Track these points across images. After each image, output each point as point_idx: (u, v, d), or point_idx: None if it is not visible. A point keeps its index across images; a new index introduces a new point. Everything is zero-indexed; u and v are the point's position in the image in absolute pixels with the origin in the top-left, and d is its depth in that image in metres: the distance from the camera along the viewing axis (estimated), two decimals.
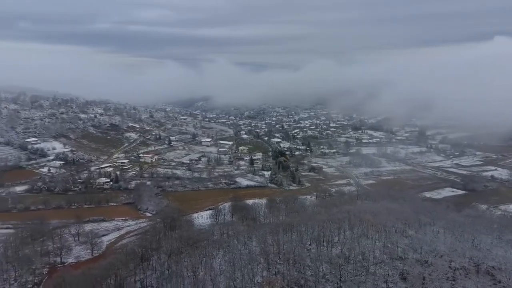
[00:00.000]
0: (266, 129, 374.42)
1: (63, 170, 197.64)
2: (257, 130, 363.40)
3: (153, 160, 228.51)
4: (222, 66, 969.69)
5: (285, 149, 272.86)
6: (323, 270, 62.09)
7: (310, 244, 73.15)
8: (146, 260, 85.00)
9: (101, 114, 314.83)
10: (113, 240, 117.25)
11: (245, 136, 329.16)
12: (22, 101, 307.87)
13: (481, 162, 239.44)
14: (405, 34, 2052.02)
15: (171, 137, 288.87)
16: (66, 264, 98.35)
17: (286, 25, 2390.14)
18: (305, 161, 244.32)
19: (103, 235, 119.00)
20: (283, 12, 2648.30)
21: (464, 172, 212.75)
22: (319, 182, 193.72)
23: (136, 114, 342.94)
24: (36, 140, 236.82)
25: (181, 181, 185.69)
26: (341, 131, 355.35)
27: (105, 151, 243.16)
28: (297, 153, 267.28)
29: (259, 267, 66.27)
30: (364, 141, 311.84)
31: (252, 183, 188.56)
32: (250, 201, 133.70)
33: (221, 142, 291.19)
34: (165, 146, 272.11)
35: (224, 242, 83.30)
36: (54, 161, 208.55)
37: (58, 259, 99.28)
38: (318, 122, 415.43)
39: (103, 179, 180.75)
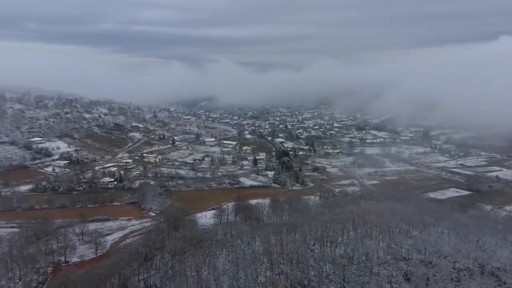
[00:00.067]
0: (269, 129, 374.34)
1: (67, 169, 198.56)
2: (261, 130, 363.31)
3: (157, 160, 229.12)
4: (225, 66, 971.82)
5: (289, 149, 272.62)
6: (326, 271, 62.02)
7: (313, 244, 73.06)
8: (150, 260, 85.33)
9: (105, 114, 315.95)
10: (117, 240, 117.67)
11: (248, 136, 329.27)
12: (27, 101, 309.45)
13: (486, 163, 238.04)
14: (409, 34, 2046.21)
15: (174, 137, 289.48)
16: (70, 263, 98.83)
17: (289, 25, 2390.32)
18: (309, 161, 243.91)
19: (107, 235, 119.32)
20: (286, 12, 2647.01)
21: (469, 173, 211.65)
22: (322, 182, 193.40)
23: (140, 114, 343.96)
24: (41, 140, 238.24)
25: (185, 181, 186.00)
26: (345, 131, 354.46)
27: (109, 151, 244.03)
28: (300, 153, 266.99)
29: (263, 267, 66.28)
30: (368, 141, 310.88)
31: (255, 183, 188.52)
32: (253, 201, 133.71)
33: (225, 142, 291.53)
34: (169, 146, 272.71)
35: (227, 242, 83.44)
36: (59, 161, 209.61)
37: (63, 258, 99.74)
38: (321, 122, 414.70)
39: (107, 179, 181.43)
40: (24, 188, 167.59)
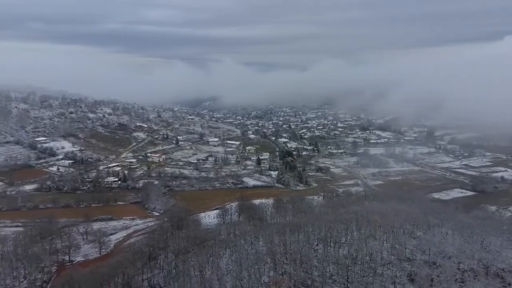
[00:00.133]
0: (273, 129, 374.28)
1: (72, 169, 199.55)
2: (264, 130, 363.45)
3: (161, 160, 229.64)
4: (229, 66, 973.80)
5: (292, 149, 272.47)
6: (330, 271, 61.85)
7: (317, 245, 72.89)
8: (154, 259, 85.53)
9: (109, 114, 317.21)
10: (121, 239, 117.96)
11: (252, 136, 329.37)
12: (32, 100, 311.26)
13: (491, 163, 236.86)
14: (413, 33, 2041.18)
15: (178, 137, 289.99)
16: (74, 262, 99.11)
17: (292, 25, 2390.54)
18: (312, 161, 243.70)
19: (111, 234, 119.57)
20: (289, 12, 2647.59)
21: (473, 173, 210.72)
22: (326, 183, 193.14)
23: (144, 114, 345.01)
24: (46, 139, 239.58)
25: (188, 181, 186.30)
26: (349, 131, 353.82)
27: (114, 151, 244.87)
28: (304, 153, 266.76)
29: (266, 267, 66.20)
30: (372, 141, 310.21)
31: (259, 183, 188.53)
32: (257, 201, 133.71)
33: (228, 142, 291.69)
34: (173, 145, 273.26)
35: (231, 242, 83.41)
36: (63, 160, 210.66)
37: (67, 257, 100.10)
38: (325, 122, 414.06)
39: (111, 178, 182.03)
40: (28, 187, 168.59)
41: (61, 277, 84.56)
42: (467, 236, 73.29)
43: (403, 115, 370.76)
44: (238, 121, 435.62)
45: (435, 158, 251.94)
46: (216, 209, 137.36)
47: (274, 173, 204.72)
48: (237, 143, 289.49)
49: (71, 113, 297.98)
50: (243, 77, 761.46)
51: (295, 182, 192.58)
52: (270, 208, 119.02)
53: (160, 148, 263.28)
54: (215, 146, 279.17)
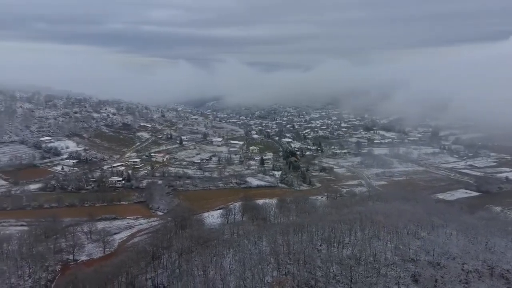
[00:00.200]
0: (276, 129, 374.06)
1: (76, 168, 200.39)
2: (268, 130, 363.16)
3: (165, 160, 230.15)
4: (233, 66, 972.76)
5: (296, 149, 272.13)
6: (333, 271, 61.78)
7: (320, 245, 72.82)
8: (157, 259, 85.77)
9: (113, 114, 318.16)
10: (124, 238, 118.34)
11: (255, 136, 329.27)
12: (36, 100, 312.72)
13: (496, 164, 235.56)
14: (414, 34, 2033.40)
15: (182, 137, 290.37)
16: (78, 261, 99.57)
17: (296, 25, 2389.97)
18: (316, 161, 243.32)
19: (115, 233, 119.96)
20: (293, 12, 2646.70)
21: (478, 174, 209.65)
22: (330, 183, 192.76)
23: (148, 114, 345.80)
24: (50, 139, 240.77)
25: (192, 181, 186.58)
26: (353, 132, 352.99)
27: (118, 150, 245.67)
28: (308, 153, 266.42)
29: (269, 267, 66.22)
30: (375, 141, 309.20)
31: (262, 183, 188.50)
32: (260, 201, 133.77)
33: (232, 141, 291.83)
34: (177, 145, 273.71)
35: (234, 242, 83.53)
36: (68, 160, 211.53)
37: (71, 257, 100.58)
38: (329, 122, 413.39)
39: (116, 178, 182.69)
40: (33, 186, 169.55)
41: (66, 276, 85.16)
42: (471, 237, 72.99)
43: (407, 115, 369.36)
44: (241, 121, 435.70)
45: (440, 159, 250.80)
46: (220, 209, 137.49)
47: (277, 173, 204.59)
48: (241, 143, 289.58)
49: (76, 112, 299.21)
50: (247, 77, 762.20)
51: (299, 182, 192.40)
52: (273, 208, 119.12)
53: (164, 148, 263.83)
54: (218, 146, 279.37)
